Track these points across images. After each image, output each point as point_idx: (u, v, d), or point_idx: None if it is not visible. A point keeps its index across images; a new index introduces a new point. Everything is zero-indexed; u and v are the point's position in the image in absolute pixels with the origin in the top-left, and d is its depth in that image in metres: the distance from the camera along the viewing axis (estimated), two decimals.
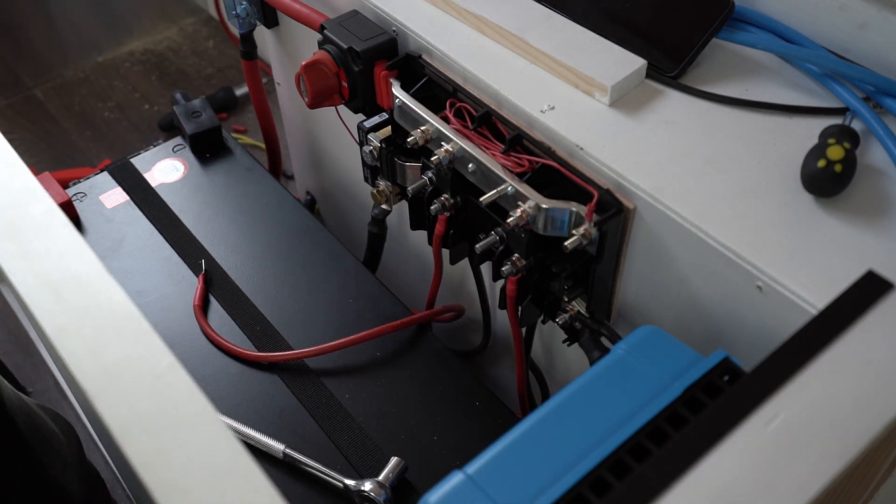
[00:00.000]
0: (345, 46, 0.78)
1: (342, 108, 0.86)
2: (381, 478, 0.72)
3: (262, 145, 1.29)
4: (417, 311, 0.88)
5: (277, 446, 0.75)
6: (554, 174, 0.66)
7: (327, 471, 0.73)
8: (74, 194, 1.02)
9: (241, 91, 1.78)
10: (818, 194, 0.60)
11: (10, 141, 0.55)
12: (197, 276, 0.92)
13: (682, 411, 0.50)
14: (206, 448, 0.41)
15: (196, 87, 1.86)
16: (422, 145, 0.74)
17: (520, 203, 0.66)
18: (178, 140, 1.10)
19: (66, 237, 0.50)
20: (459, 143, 0.70)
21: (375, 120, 0.82)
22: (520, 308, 0.75)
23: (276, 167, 1.28)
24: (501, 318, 0.90)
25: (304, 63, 0.80)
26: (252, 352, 0.84)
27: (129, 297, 0.47)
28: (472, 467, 0.49)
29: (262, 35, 1.09)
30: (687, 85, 0.69)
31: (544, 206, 0.65)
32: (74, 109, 1.81)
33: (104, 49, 1.94)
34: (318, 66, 0.80)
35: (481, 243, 0.73)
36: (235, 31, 1.10)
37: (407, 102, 0.75)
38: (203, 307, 0.89)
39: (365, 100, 0.81)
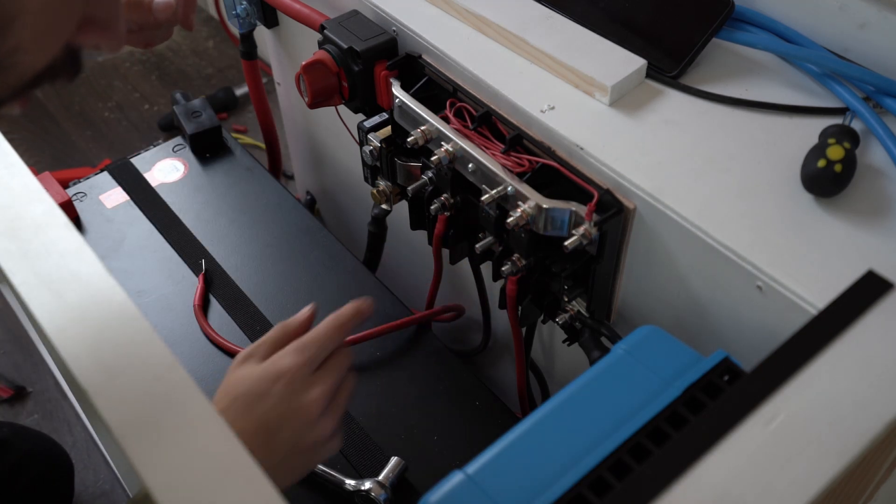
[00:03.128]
0: (345, 46, 0.78)
1: (342, 108, 0.86)
2: (381, 478, 0.72)
3: (262, 145, 1.29)
4: (417, 311, 0.88)
5: None
6: (554, 174, 0.66)
7: (327, 471, 0.73)
8: (74, 194, 1.02)
9: (241, 91, 1.78)
10: (818, 194, 0.60)
11: (10, 141, 0.54)
12: (197, 276, 0.92)
13: (682, 411, 0.50)
14: (206, 448, 0.40)
15: (196, 87, 1.86)
16: (422, 145, 0.74)
17: (520, 203, 0.66)
18: (178, 140, 1.10)
19: (66, 237, 0.50)
20: (459, 142, 0.70)
21: (375, 120, 0.81)
22: (520, 308, 0.75)
23: (276, 167, 1.28)
24: (501, 318, 0.90)
25: (304, 63, 0.80)
26: None
27: (129, 297, 0.47)
28: (472, 467, 0.49)
29: (262, 35, 1.09)
30: (687, 85, 0.69)
31: (544, 206, 0.65)
32: (74, 109, 1.81)
33: None
34: (318, 66, 0.80)
35: (481, 243, 0.73)
36: (235, 31, 1.10)
37: (407, 102, 0.75)
38: (203, 307, 0.89)
39: (365, 100, 0.81)
